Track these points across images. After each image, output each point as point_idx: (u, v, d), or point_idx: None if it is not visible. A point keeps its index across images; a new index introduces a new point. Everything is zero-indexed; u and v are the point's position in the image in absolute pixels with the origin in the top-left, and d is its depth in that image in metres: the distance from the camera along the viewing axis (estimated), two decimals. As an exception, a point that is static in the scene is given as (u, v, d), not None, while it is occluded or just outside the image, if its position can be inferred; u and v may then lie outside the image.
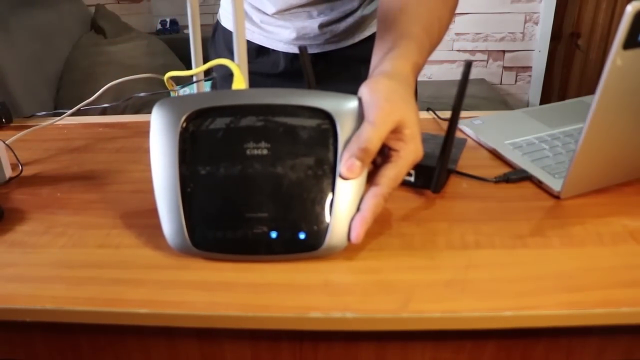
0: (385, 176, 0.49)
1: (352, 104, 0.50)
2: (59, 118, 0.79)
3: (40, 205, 0.60)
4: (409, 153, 0.50)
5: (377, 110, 0.48)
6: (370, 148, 0.48)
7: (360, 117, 0.50)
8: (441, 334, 0.47)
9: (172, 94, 0.71)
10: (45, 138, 0.76)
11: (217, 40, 1.03)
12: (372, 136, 0.48)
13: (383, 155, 0.51)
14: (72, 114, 0.76)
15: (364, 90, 0.51)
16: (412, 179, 0.60)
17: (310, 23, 0.91)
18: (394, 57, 0.55)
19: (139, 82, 0.81)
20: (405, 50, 0.56)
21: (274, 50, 0.95)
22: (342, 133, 0.49)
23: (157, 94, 0.75)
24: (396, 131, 0.49)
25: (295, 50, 0.94)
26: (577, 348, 0.49)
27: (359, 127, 0.49)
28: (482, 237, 0.52)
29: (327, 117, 0.50)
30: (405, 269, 0.48)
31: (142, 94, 0.77)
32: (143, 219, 0.55)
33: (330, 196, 0.49)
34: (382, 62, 0.55)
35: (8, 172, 0.65)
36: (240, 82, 0.58)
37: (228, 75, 0.60)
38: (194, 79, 0.71)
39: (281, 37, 0.93)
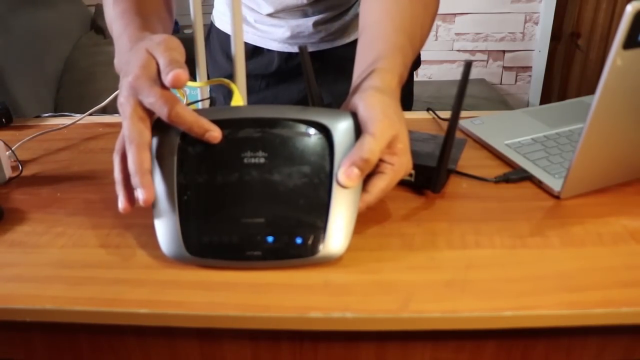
0: (376, 186, 0.50)
1: (347, 117, 0.52)
2: (78, 118, 0.79)
3: (40, 205, 0.60)
4: (402, 166, 0.51)
5: (377, 124, 0.49)
6: (371, 159, 0.49)
7: (357, 130, 0.51)
8: (441, 334, 0.47)
9: (180, 97, 0.71)
10: (45, 138, 0.76)
11: (212, 42, 1.02)
12: (374, 148, 0.49)
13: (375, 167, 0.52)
14: (75, 116, 0.76)
15: (359, 104, 0.52)
16: (412, 179, 0.60)
17: (305, 21, 0.91)
18: (382, 70, 0.56)
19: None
20: (393, 64, 0.57)
21: (268, 50, 0.95)
22: (339, 145, 0.50)
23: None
24: (390, 145, 0.50)
25: (290, 49, 0.94)
26: (577, 348, 0.49)
27: (354, 139, 0.50)
28: (482, 237, 0.52)
29: (324, 130, 0.51)
30: (405, 269, 0.48)
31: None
32: (143, 219, 0.55)
33: (326, 204, 0.49)
34: (371, 74, 0.55)
35: (8, 172, 0.65)
36: (238, 99, 0.58)
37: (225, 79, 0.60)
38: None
39: (275, 36, 0.93)
